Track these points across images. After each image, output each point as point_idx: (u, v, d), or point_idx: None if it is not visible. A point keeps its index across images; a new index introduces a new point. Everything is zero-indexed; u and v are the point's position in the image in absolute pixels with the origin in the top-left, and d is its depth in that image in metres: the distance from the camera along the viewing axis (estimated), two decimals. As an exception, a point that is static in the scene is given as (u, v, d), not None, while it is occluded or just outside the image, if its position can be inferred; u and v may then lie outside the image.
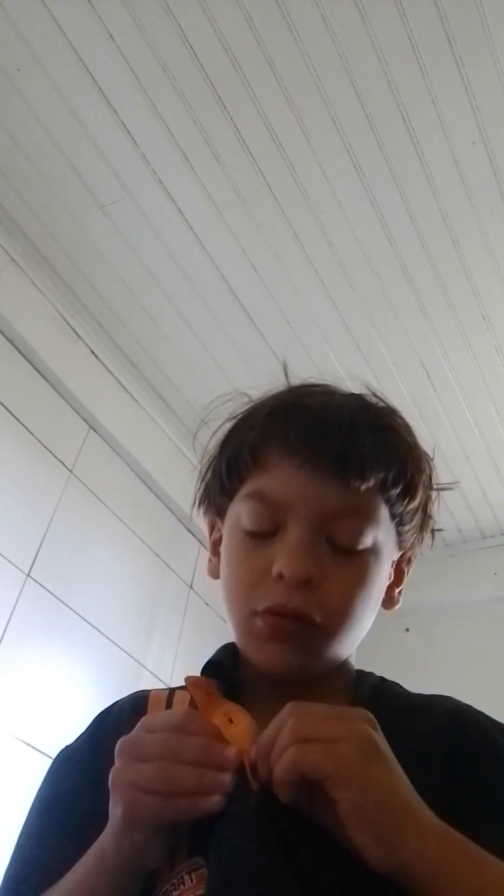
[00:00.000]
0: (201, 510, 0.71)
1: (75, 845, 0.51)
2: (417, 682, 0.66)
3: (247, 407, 0.68)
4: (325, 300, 1.86)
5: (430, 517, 0.68)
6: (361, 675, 0.65)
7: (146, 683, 1.89)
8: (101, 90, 1.50)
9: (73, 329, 1.96)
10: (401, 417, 0.65)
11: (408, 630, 2.38)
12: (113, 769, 0.48)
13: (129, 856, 0.47)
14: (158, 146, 1.59)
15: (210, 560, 0.69)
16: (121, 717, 0.63)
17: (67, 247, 1.82)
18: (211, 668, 0.63)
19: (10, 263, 1.81)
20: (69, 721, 1.58)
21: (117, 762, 0.48)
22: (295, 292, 1.85)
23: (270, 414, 0.62)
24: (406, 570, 0.69)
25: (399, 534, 0.64)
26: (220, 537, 0.67)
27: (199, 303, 1.91)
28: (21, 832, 0.59)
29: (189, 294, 1.89)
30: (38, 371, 1.84)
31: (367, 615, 0.61)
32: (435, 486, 0.67)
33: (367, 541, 0.59)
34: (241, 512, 0.61)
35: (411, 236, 1.69)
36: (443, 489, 0.69)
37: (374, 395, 0.67)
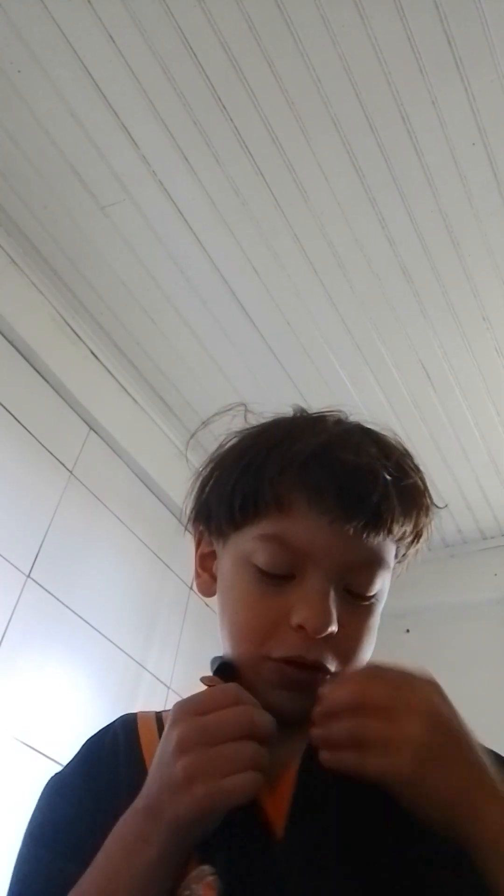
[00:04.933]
0: (191, 522, 0.69)
1: (73, 869, 0.50)
2: (418, 683, 0.66)
3: (259, 429, 0.66)
4: (325, 301, 1.86)
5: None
6: None
7: (146, 684, 1.89)
8: (101, 92, 1.50)
9: (73, 330, 1.96)
10: (416, 464, 0.65)
11: (408, 631, 2.38)
12: (176, 731, 0.48)
13: (186, 817, 0.46)
14: (158, 147, 1.59)
15: (199, 575, 0.68)
16: (116, 743, 0.62)
17: (67, 248, 1.82)
18: (223, 669, 0.62)
19: (10, 265, 1.81)
20: (69, 722, 1.58)
21: (181, 724, 0.48)
22: (295, 293, 1.85)
23: (303, 464, 0.60)
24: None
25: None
26: (211, 552, 0.67)
27: (199, 304, 1.91)
28: (13, 871, 0.56)
29: (189, 295, 1.89)
30: (38, 372, 1.84)
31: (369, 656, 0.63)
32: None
33: (377, 587, 0.60)
34: (255, 550, 0.60)
35: (411, 237, 1.70)
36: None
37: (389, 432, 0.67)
